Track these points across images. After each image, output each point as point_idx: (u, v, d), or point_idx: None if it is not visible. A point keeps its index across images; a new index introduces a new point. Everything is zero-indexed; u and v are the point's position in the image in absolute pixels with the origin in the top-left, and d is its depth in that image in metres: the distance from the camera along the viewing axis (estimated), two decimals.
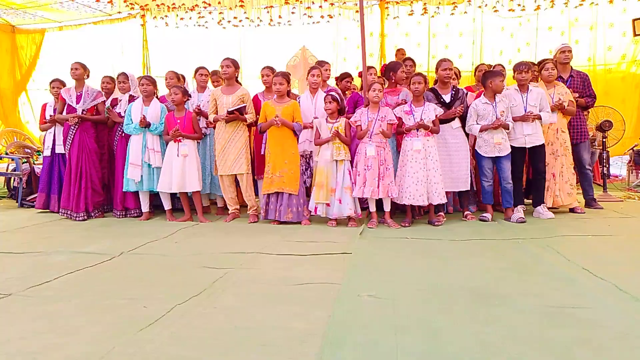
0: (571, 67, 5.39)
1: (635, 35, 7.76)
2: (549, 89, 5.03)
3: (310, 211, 4.67)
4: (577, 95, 5.19)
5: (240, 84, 5.21)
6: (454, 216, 4.93)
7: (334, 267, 3.12)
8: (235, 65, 4.92)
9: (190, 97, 5.19)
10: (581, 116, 5.36)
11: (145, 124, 4.88)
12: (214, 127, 5.02)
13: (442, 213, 4.76)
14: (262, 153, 4.96)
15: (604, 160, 6.24)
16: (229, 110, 4.71)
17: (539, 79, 5.21)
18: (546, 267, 3.10)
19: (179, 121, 4.86)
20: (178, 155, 4.81)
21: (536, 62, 5.62)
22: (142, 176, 4.95)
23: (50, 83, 5.80)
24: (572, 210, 5.08)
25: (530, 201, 5.04)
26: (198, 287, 2.69)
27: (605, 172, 6.25)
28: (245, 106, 4.79)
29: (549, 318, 2.19)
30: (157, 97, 5.21)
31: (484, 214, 4.77)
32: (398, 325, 2.12)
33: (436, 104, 4.72)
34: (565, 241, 3.80)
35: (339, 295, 2.53)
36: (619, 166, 8.59)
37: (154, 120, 4.96)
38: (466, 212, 4.87)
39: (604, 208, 5.28)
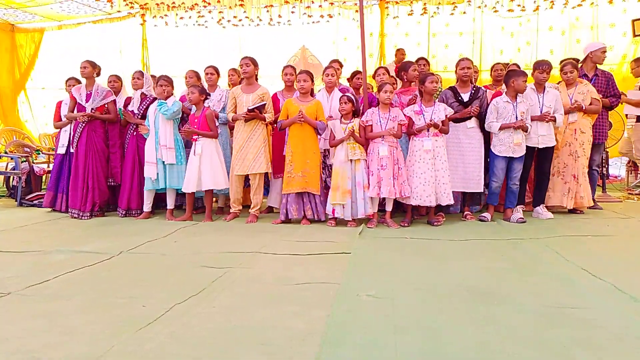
0: (596, 67, 5.34)
1: (635, 35, 7.76)
2: (569, 89, 4.99)
3: (328, 213, 4.62)
4: (600, 96, 5.11)
5: (259, 84, 5.10)
6: (454, 216, 4.93)
7: (333, 266, 3.12)
8: (255, 63, 4.90)
9: (209, 95, 5.11)
10: (603, 116, 5.29)
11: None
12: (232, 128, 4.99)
13: (441, 213, 4.76)
14: (283, 153, 4.87)
15: (603, 161, 6.24)
16: (249, 108, 4.68)
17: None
18: (545, 267, 3.10)
19: (196, 120, 4.84)
20: (194, 154, 4.80)
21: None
22: (157, 174, 4.90)
23: (66, 81, 5.80)
24: (571, 210, 5.09)
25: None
26: (197, 286, 2.69)
27: (604, 172, 6.26)
28: (265, 104, 4.76)
29: (547, 318, 2.19)
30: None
31: (483, 214, 4.76)
32: (397, 325, 2.12)
33: (454, 102, 4.70)
34: (565, 241, 3.80)
35: (338, 295, 2.53)
36: (618, 167, 8.59)
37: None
38: (466, 212, 4.86)
39: (603, 208, 5.30)
